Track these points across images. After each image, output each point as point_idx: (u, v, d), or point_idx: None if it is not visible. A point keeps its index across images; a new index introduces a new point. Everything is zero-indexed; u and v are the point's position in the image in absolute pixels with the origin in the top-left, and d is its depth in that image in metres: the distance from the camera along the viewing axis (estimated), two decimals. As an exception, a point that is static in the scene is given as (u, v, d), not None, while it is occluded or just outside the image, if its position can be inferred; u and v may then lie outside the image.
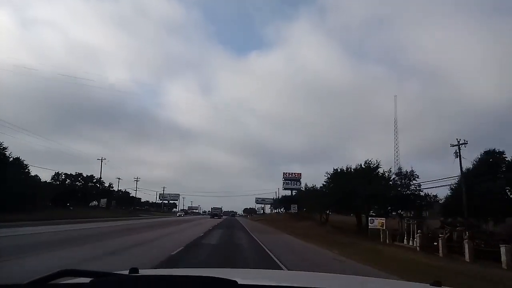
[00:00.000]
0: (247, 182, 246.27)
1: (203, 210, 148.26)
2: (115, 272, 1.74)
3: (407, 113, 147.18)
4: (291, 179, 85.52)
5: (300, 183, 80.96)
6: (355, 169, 40.59)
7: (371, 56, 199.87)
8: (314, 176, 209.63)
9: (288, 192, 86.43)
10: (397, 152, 73.39)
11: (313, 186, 55.82)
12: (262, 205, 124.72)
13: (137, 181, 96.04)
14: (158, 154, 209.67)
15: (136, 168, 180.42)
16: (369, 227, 31.42)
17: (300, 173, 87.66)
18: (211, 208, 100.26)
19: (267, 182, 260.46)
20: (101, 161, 70.39)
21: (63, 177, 69.95)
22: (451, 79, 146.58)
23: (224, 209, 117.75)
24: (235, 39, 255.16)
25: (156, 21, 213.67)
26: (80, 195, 71.01)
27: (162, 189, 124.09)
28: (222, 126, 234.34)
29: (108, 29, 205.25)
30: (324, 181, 44.42)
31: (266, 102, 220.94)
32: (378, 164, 38.95)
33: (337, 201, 39.15)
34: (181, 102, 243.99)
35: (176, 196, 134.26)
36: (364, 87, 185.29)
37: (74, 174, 72.45)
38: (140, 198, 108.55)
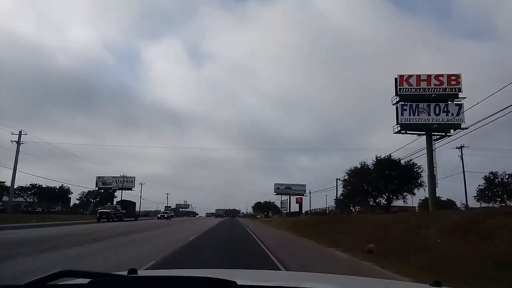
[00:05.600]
0: (249, 177, 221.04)
1: (206, 212, 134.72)
2: (114, 273, 1.78)
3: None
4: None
5: (462, 108, 32.31)
6: None
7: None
8: (328, 170, 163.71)
9: (406, 140, 34.68)
10: None
11: None
12: (289, 197, 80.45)
13: None
14: (140, 141, 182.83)
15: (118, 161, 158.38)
16: None
17: (459, 75, 33.62)
18: (215, 209, 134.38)
19: (271, 176, 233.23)
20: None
21: None
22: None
23: (224, 208, 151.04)
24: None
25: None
26: None
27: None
28: (215, 106, 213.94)
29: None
30: None
31: (269, 71, 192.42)
32: None
33: None
34: (166, 74, 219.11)
35: (127, 180, 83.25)
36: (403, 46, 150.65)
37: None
38: None
